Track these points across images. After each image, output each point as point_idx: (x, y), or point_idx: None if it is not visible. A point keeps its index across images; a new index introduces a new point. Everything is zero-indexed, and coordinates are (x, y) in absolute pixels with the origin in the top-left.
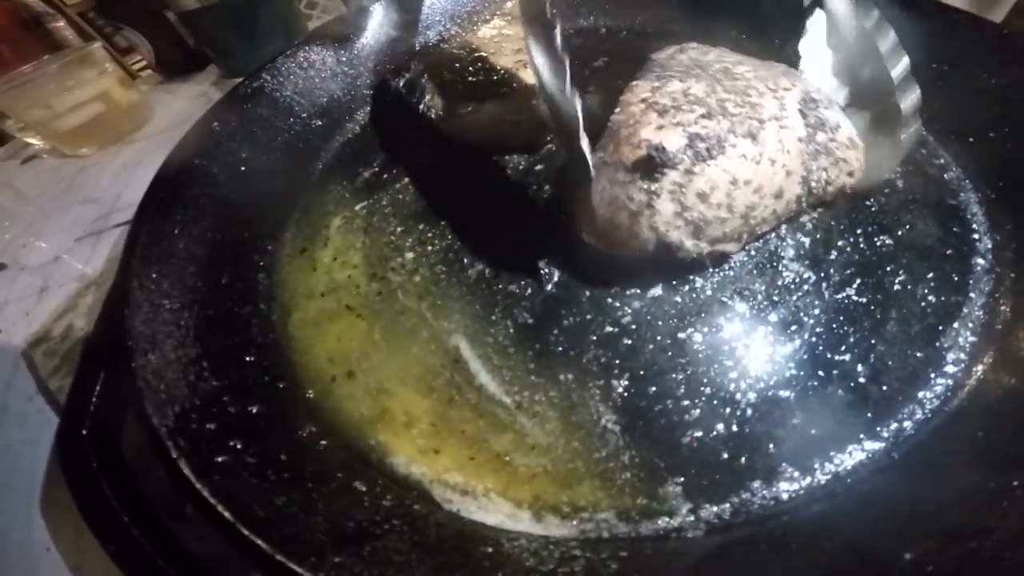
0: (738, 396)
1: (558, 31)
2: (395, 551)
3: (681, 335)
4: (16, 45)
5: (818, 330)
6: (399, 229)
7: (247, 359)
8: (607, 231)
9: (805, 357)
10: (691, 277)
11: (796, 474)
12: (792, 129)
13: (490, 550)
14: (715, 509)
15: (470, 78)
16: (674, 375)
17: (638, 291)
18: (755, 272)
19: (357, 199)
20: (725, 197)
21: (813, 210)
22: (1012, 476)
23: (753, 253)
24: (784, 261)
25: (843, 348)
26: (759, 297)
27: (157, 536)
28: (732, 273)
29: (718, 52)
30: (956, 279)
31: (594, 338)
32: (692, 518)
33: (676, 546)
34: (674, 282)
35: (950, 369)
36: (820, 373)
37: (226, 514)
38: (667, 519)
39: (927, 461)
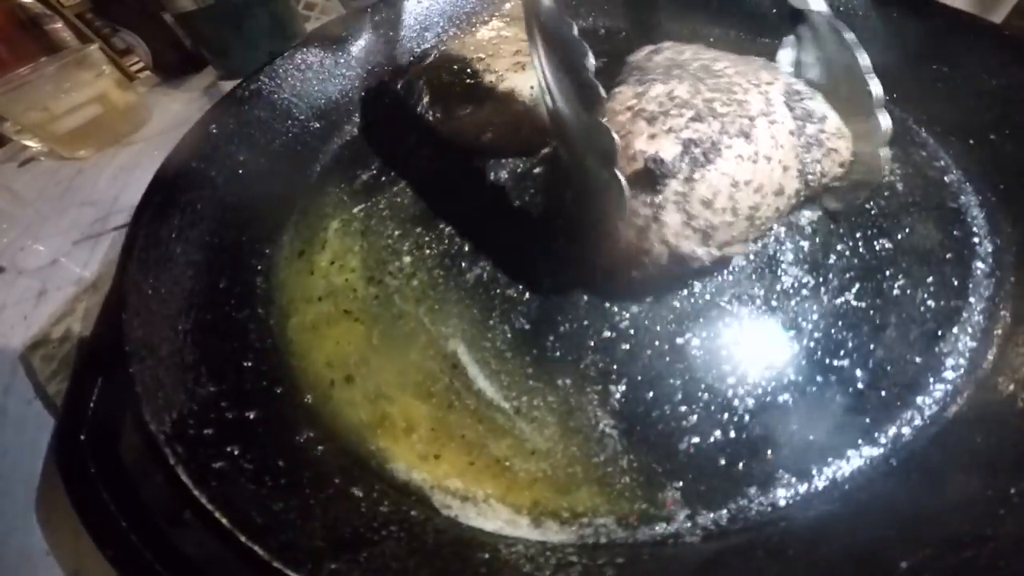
0: (736, 402)
1: (590, 57)
2: (392, 557)
3: (679, 340)
4: (13, 46)
5: (817, 335)
6: (397, 233)
7: (245, 364)
8: (612, 251)
9: (803, 363)
10: (689, 282)
11: (794, 480)
12: (782, 123)
13: (487, 556)
14: (712, 515)
15: (468, 80)
16: (672, 381)
17: (636, 296)
18: (754, 277)
19: (355, 202)
20: (728, 201)
21: (811, 203)
22: (1010, 484)
23: (752, 258)
24: (783, 265)
25: (842, 353)
26: (758, 302)
27: (155, 541)
28: (731, 278)
29: (693, 49)
30: (956, 284)
31: (592, 343)
32: (689, 524)
33: (673, 552)
34: (672, 287)
35: (949, 375)
36: (818, 379)
37: (223, 521)
38: (665, 525)
39: (925, 468)
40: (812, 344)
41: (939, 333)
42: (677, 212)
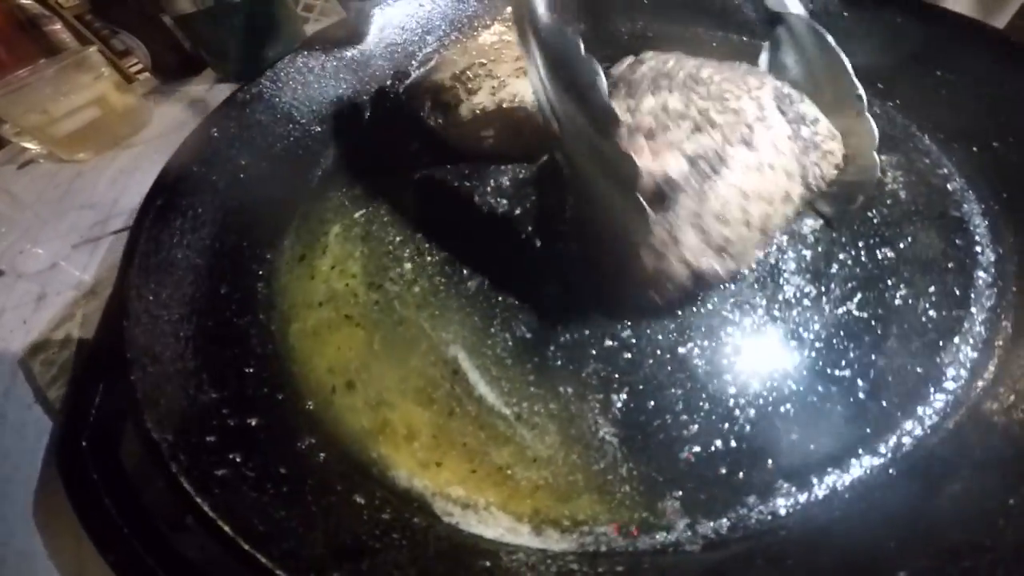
0: (737, 411)
1: (601, 78)
2: (394, 565)
3: (681, 349)
4: (12, 47)
5: (818, 345)
6: (398, 239)
7: (246, 370)
8: (632, 275)
9: (804, 372)
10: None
11: (794, 490)
12: (777, 128)
13: (488, 564)
14: (713, 524)
15: (470, 85)
16: (673, 389)
17: (638, 305)
18: (756, 286)
19: (356, 207)
20: (741, 213)
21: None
22: (1009, 495)
23: (754, 267)
24: (785, 275)
25: (843, 363)
26: (759, 311)
27: (157, 546)
28: (733, 287)
29: (676, 58)
30: (958, 293)
31: (593, 351)
32: (690, 533)
33: (673, 560)
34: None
35: (950, 385)
36: (819, 388)
37: (225, 528)
38: (665, 533)
39: (925, 478)
40: (813, 354)
41: (940, 343)
42: (693, 230)
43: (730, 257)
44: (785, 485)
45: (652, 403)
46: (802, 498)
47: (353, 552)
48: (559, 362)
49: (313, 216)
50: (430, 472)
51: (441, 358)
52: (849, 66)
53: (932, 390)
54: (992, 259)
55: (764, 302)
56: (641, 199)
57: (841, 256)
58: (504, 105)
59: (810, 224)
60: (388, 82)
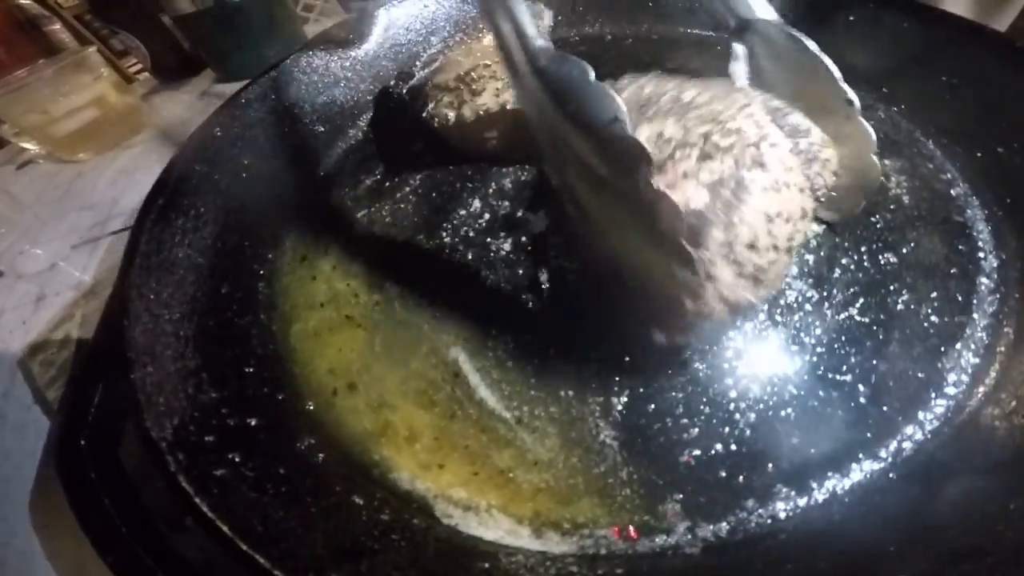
0: (737, 415)
1: (621, 107)
2: (393, 566)
3: (681, 353)
4: (11, 47)
5: (819, 350)
6: (399, 239)
7: (246, 370)
8: (671, 322)
9: (805, 377)
10: None
11: (793, 494)
12: (781, 145)
13: (488, 565)
14: (712, 527)
15: (474, 86)
16: (673, 393)
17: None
18: None
19: (358, 208)
20: (769, 238)
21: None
22: (1010, 499)
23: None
24: (787, 280)
25: (844, 368)
26: (761, 316)
27: (156, 547)
28: None
29: (651, 81)
30: (960, 299)
31: (594, 354)
32: (689, 536)
33: (673, 563)
34: None
35: (951, 391)
36: (820, 393)
37: (224, 528)
38: (665, 536)
39: (925, 483)
40: (815, 359)
41: (942, 348)
42: (727, 264)
43: (763, 284)
44: (785, 489)
45: (652, 406)
46: (802, 502)
47: (352, 553)
48: (559, 364)
49: (315, 216)
50: (432, 474)
51: (442, 360)
52: (835, 70)
53: (933, 395)
54: (995, 265)
55: (766, 307)
56: (684, 243)
57: (843, 261)
58: (508, 107)
59: (813, 229)
60: (392, 83)
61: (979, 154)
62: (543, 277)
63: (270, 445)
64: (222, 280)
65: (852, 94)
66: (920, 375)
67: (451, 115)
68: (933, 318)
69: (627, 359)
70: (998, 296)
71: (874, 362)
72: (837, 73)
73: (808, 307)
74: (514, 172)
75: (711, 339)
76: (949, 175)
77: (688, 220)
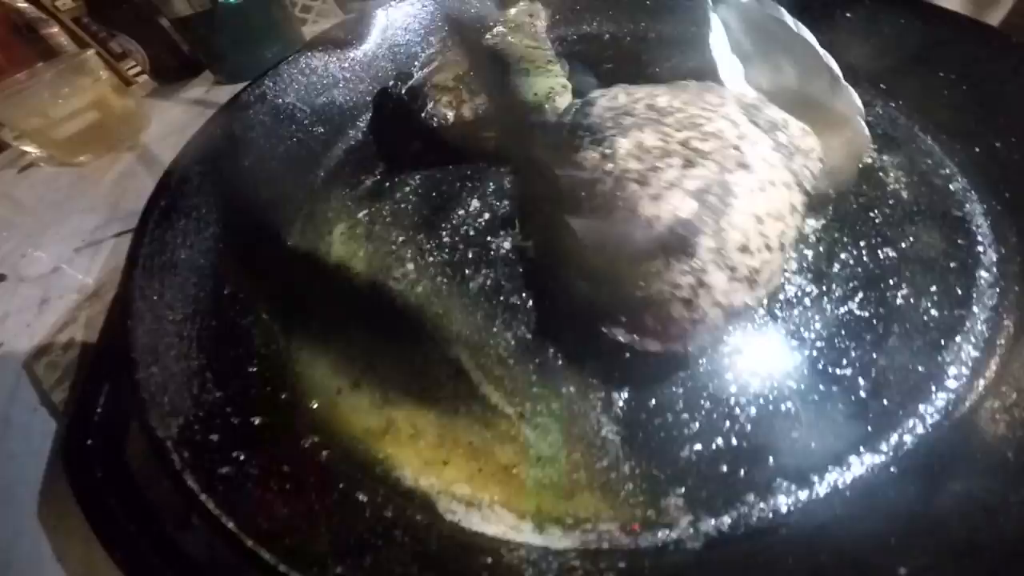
0: (737, 410)
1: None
2: (396, 562)
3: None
4: (9, 51)
5: (819, 344)
6: (400, 239)
7: (250, 370)
8: (665, 331)
9: (805, 371)
10: None
11: (794, 488)
12: (759, 143)
13: (490, 560)
14: (714, 522)
15: (473, 85)
16: (674, 388)
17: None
18: None
19: (359, 207)
20: (760, 238)
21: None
22: (1009, 492)
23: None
24: (787, 274)
25: (844, 362)
26: (760, 311)
27: (163, 545)
28: None
29: (623, 91)
30: (960, 293)
31: (594, 350)
32: (691, 530)
33: (675, 558)
34: None
35: (952, 384)
36: (820, 387)
37: (229, 525)
38: (667, 531)
39: (926, 476)
40: (814, 353)
41: (942, 342)
42: (719, 269)
43: (760, 285)
44: (786, 483)
45: (653, 402)
46: (803, 496)
47: (356, 549)
48: (560, 361)
49: (317, 216)
50: (435, 471)
51: (445, 358)
52: (812, 40)
53: (934, 388)
54: (994, 259)
55: (765, 301)
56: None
57: (842, 256)
58: (506, 106)
59: (812, 224)
60: (390, 83)
61: (977, 149)
62: (544, 275)
63: (274, 443)
64: (224, 280)
65: (831, 60)
66: (920, 369)
67: (450, 114)
68: (933, 312)
69: (627, 355)
70: (998, 290)
71: (874, 356)
72: (814, 41)
73: (807, 302)
74: (513, 171)
75: (709, 346)
76: (948, 170)
77: (677, 230)
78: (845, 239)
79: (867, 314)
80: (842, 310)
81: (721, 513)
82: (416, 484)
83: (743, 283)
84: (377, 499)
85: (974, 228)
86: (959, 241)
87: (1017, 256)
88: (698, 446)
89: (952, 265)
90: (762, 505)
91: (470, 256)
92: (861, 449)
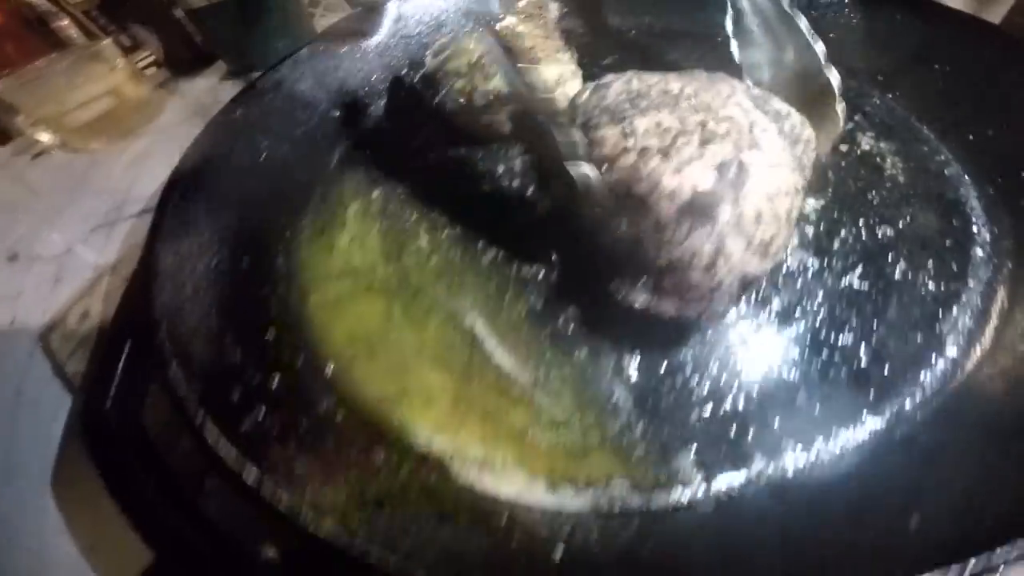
0: (744, 375)
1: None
2: (412, 520)
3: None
4: (20, 44)
5: (820, 315)
6: (414, 216)
7: (267, 337)
8: (683, 295)
9: (808, 339)
10: None
11: (800, 450)
12: (768, 129)
13: (503, 522)
14: (724, 483)
15: (486, 71)
16: (684, 353)
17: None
18: None
19: (373, 187)
20: (772, 212)
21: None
22: (1009, 447)
23: None
24: (788, 249)
25: (845, 331)
26: (763, 282)
27: (182, 508)
28: None
29: (635, 76)
30: (956, 268)
31: (606, 317)
32: (702, 491)
33: (685, 519)
34: None
35: (950, 353)
36: (823, 355)
37: (248, 480)
38: (678, 492)
39: (928, 440)
40: (816, 323)
41: (939, 314)
42: (737, 237)
43: (770, 256)
44: (792, 446)
45: (664, 366)
46: (810, 459)
47: (374, 505)
48: (572, 327)
49: (332, 195)
50: (449, 435)
51: (459, 326)
52: (804, 24)
53: (933, 356)
54: (987, 238)
55: (770, 274)
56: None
57: (842, 233)
58: (516, 93)
59: (812, 203)
60: (403, 71)
61: (971, 137)
62: (555, 248)
63: (291, 404)
64: (242, 255)
65: (819, 43)
66: (919, 338)
67: (463, 99)
68: (930, 285)
69: (638, 323)
70: (992, 266)
71: (874, 326)
72: (805, 24)
73: (809, 275)
74: (524, 153)
75: (721, 313)
76: (943, 157)
77: (700, 200)
78: (844, 218)
79: (867, 287)
80: (843, 283)
81: (731, 475)
82: (430, 447)
83: (757, 252)
84: (392, 461)
85: (968, 210)
86: (954, 222)
87: (1010, 235)
88: (708, 409)
89: (948, 243)
90: (770, 467)
91: (481, 231)
92: (865, 413)
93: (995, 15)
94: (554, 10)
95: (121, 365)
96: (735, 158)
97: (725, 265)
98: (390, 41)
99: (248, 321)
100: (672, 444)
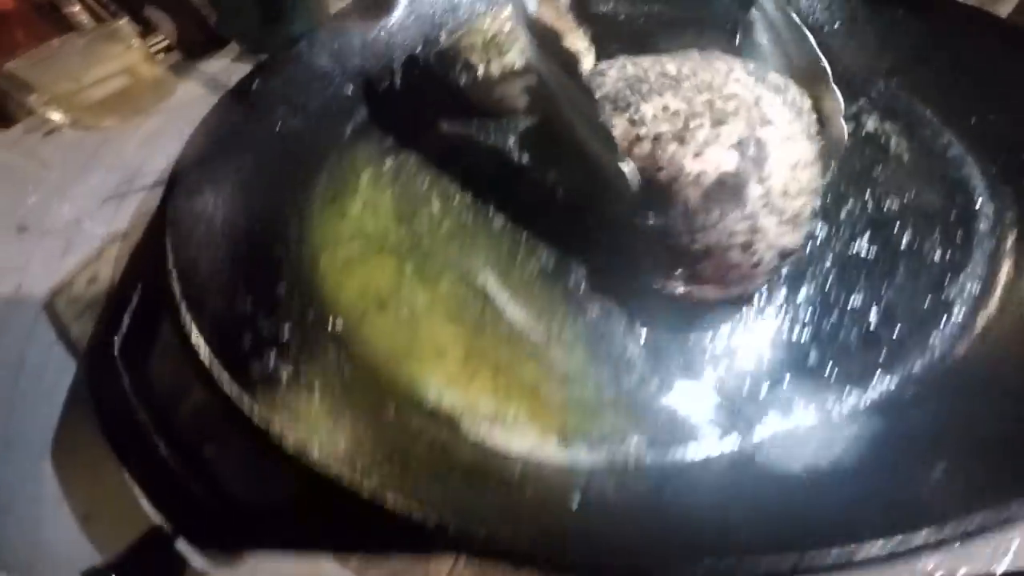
0: (756, 332)
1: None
2: (423, 473)
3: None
4: (30, 29)
5: (830, 277)
6: (426, 183)
7: (278, 291)
8: (725, 278)
9: (818, 301)
10: None
11: (813, 408)
12: (774, 102)
13: (515, 477)
14: (738, 439)
15: (501, 47)
16: (697, 310)
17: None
18: None
19: (385, 157)
20: (798, 184)
21: None
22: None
23: None
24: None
25: (855, 293)
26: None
27: (186, 458)
28: None
29: (629, 61)
30: (960, 238)
31: (618, 273)
32: (717, 447)
33: (699, 475)
34: None
35: (957, 316)
36: (834, 315)
37: (256, 421)
38: (692, 448)
39: (940, 399)
40: (826, 286)
41: (946, 279)
42: (770, 213)
43: (801, 227)
44: (803, 403)
45: (678, 322)
46: (822, 417)
47: (385, 455)
48: (582, 287)
49: (345, 164)
50: (459, 389)
51: (471, 283)
52: (810, 36)
53: (942, 319)
54: (990, 211)
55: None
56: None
57: (849, 203)
58: (529, 69)
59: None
60: (418, 49)
61: (974, 121)
62: (565, 212)
63: (302, 354)
64: (255, 216)
65: (824, 61)
66: (928, 301)
67: (479, 73)
68: (937, 252)
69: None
70: (995, 237)
71: (883, 290)
72: (811, 37)
73: (818, 240)
74: (536, 122)
75: (764, 288)
76: (946, 139)
77: (727, 181)
78: (850, 192)
79: (874, 253)
80: (851, 249)
81: (744, 431)
82: (440, 401)
83: (790, 225)
84: (403, 414)
85: (971, 187)
86: (958, 197)
87: (1013, 209)
88: (722, 365)
89: (952, 215)
90: (783, 424)
91: (492, 197)
92: (878, 372)
93: (1002, 10)
94: None
95: (129, 313)
96: (751, 135)
97: (763, 242)
98: (405, 21)
99: (260, 277)
100: (687, 399)
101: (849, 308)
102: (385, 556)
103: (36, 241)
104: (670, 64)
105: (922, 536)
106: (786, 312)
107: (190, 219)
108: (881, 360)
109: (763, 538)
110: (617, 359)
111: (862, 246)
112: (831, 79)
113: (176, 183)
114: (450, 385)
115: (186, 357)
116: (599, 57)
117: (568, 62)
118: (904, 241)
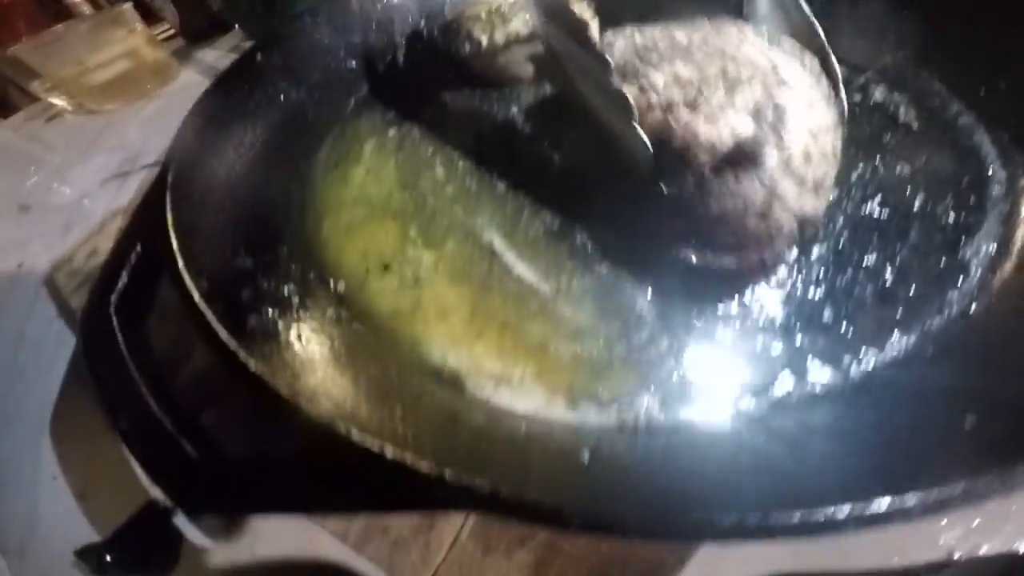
0: (768, 292)
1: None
2: (425, 431)
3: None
4: (30, 19)
5: (843, 237)
6: (430, 151)
7: (280, 250)
8: (742, 245)
9: (831, 259)
10: None
11: (829, 369)
12: (791, 66)
13: (522, 437)
14: (750, 400)
15: (505, 16)
16: (708, 271)
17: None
18: None
19: (389, 126)
20: (818, 148)
21: None
22: None
23: None
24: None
25: (869, 252)
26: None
27: (182, 419)
28: None
29: (635, 30)
30: (973, 201)
31: (628, 230)
32: (728, 407)
33: (711, 435)
34: None
35: (973, 275)
36: (848, 274)
37: (257, 371)
38: (703, 408)
39: (958, 358)
40: (839, 245)
41: (961, 240)
42: (789, 179)
43: (824, 193)
44: (818, 363)
45: (688, 279)
46: (837, 377)
47: (387, 412)
48: (594, 243)
49: (348, 133)
50: (465, 348)
51: (477, 242)
52: (811, 15)
53: (958, 278)
54: (1003, 176)
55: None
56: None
57: (860, 167)
58: (532, 40)
59: None
60: (423, 22)
61: (984, 91)
62: (570, 175)
63: (303, 310)
64: (258, 183)
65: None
66: (943, 260)
67: (483, 41)
68: (951, 215)
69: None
70: (1009, 201)
71: (898, 249)
72: (812, 16)
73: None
74: (539, 90)
75: (784, 256)
76: (956, 108)
77: (743, 147)
78: (860, 157)
79: (887, 214)
80: (863, 210)
81: (756, 392)
82: (445, 361)
83: (811, 191)
84: (406, 374)
85: (983, 154)
86: (969, 163)
87: None
88: (735, 325)
89: (965, 180)
90: (797, 384)
91: (496, 161)
92: (896, 331)
93: None
94: None
95: (128, 271)
96: (769, 101)
97: (781, 208)
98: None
99: (261, 237)
100: (698, 359)
101: (864, 267)
102: (386, 524)
103: (38, 220)
104: (679, 32)
105: (935, 494)
106: (799, 270)
107: (191, 183)
108: (898, 318)
109: (774, 498)
110: (627, 315)
111: (873, 205)
112: (829, 50)
113: (178, 148)
114: (455, 344)
115: (185, 311)
116: (604, 28)
117: (578, 30)
118: (916, 202)
